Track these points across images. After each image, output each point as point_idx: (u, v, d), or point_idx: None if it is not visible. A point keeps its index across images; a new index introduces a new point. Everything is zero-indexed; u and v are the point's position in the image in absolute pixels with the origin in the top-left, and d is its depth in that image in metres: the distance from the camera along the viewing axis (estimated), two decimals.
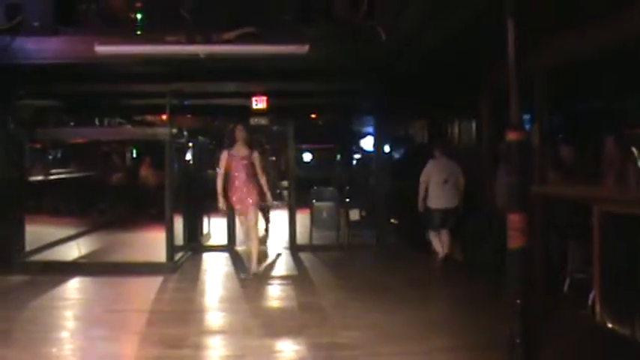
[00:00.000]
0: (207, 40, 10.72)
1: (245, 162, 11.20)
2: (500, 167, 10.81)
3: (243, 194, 11.15)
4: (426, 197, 12.00)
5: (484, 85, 11.98)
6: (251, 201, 11.19)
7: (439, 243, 12.11)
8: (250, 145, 11.44)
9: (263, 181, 11.30)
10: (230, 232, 14.22)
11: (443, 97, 13.14)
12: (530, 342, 5.86)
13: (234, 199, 11.21)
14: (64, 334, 8.23)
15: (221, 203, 11.18)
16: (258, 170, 11.28)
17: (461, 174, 12.00)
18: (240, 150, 11.27)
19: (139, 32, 10.91)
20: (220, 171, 11.22)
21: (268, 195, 11.48)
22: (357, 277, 11.72)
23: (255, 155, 11.35)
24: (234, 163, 11.18)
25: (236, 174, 11.17)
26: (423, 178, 11.98)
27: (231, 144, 11.30)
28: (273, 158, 27.03)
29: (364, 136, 21.78)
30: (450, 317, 8.60)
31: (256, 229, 11.64)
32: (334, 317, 8.67)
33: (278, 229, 16.59)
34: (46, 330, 8.21)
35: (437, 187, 11.92)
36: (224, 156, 11.24)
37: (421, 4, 8.68)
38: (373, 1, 10.52)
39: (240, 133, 11.31)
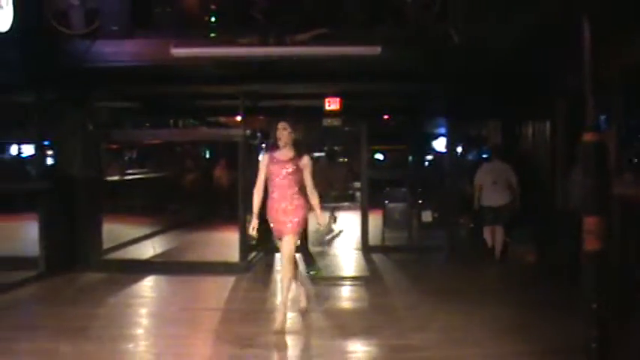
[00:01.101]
0: (280, 42, 10.79)
1: (289, 168, 8.36)
2: (576, 169, 10.67)
3: (281, 212, 8.33)
4: (480, 197, 12.89)
5: (559, 85, 11.79)
6: (290, 225, 8.28)
7: (491, 238, 12.93)
8: (299, 148, 8.53)
9: (314, 199, 8.48)
10: (303, 232, 14.24)
11: (516, 98, 12.98)
12: (605, 347, 5.76)
13: (270, 215, 8.47)
14: (140, 332, 8.37)
15: (252, 227, 8.41)
16: (308, 182, 8.43)
17: (513, 175, 12.70)
18: (285, 153, 8.45)
19: (212, 34, 11.04)
20: (258, 181, 8.52)
21: (320, 215, 8.67)
22: (429, 278, 11.67)
23: (305, 161, 8.43)
24: (275, 168, 8.38)
25: (276, 181, 8.38)
26: (476, 180, 12.99)
27: (276, 145, 8.52)
28: (345, 160, 27.08)
29: (436, 137, 21.62)
30: (524, 320, 8.47)
31: (290, 267, 8.29)
32: (406, 319, 8.64)
33: (350, 229, 16.58)
34: (122, 327, 8.37)
35: (488, 187, 12.80)
36: (264, 160, 8.56)
37: (494, 5, 8.60)
38: (445, 2, 10.47)
39: (283, 132, 8.43)
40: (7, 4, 10.01)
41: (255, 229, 8.41)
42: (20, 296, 10.16)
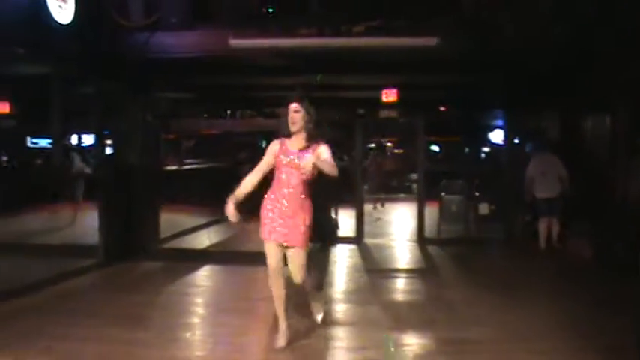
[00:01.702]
0: (337, 33, 10.80)
1: (297, 161, 6.73)
2: (637, 161, 10.54)
3: (289, 213, 6.77)
4: (533, 189, 12.98)
5: (620, 77, 11.60)
6: (303, 229, 6.81)
7: (545, 231, 12.97)
8: (315, 135, 6.80)
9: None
10: (359, 225, 14.26)
11: (576, 91, 12.81)
12: None
13: (268, 217, 6.87)
14: (197, 320, 8.46)
15: (230, 212, 6.87)
16: (329, 170, 6.49)
17: (562, 168, 12.78)
18: (297, 142, 6.80)
19: (270, 25, 11.08)
20: (259, 165, 6.95)
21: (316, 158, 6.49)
22: (486, 272, 11.58)
23: (323, 150, 6.75)
24: (284, 159, 6.78)
25: (283, 177, 6.79)
26: (528, 172, 13.11)
27: (287, 132, 6.82)
28: (400, 151, 27.02)
29: (493, 129, 21.45)
30: (582, 316, 8.36)
31: (307, 286, 7.43)
32: (463, 312, 8.59)
33: (405, 221, 16.54)
34: (179, 315, 8.46)
35: (539, 179, 12.96)
36: (274, 145, 6.92)
37: None
38: None
39: (295, 116, 6.74)
40: None
41: (234, 216, 6.81)
42: (80, 284, 10.34)
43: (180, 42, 11.19)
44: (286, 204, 6.77)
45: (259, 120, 18.21)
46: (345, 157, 16.80)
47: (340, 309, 8.94)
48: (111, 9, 11.24)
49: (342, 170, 12.25)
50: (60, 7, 9.95)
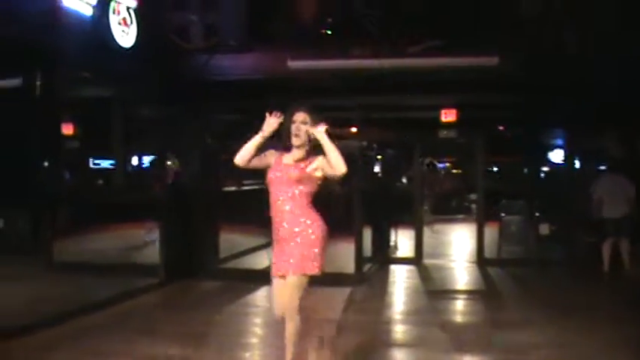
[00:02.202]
0: (395, 53, 10.81)
1: (295, 172, 5.70)
2: None
3: (285, 236, 5.79)
4: (600, 209, 12.73)
5: None
6: (292, 261, 5.76)
7: (608, 252, 12.79)
8: (312, 149, 5.71)
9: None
10: (418, 245, 14.20)
11: (636, 108, 12.63)
12: None
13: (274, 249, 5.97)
14: (255, 341, 8.49)
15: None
16: (335, 158, 5.51)
17: (630, 187, 12.57)
18: (295, 155, 5.78)
19: (328, 47, 11.15)
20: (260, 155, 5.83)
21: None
22: (546, 293, 11.42)
23: (319, 164, 5.67)
24: (278, 175, 5.74)
25: (278, 200, 5.76)
26: (595, 192, 12.82)
27: (288, 145, 5.79)
28: (458, 171, 26.85)
29: (553, 148, 21.21)
30: None
31: (294, 324, 5.98)
32: (523, 334, 8.47)
33: (464, 242, 16.43)
34: (239, 335, 8.51)
35: (607, 199, 12.66)
36: (270, 153, 5.87)
37: (615, 13, 8.41)
38: (563, 11, 10.30)
39: (300, 128, 5.71)
40: (132, 22, 10.37)
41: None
42: (142, 302, 10.46)
43: (238, 64, 11.32)
44: (285, 226, 5.75)
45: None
46: (404, 179, 16.78)
47: (399, 330, 8.92)
48: (171, 32, 11.43)
49: (401, 191, 12.29)
50: (123, 31, 10.15)
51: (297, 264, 5.72)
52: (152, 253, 11.85)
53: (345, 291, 11.12)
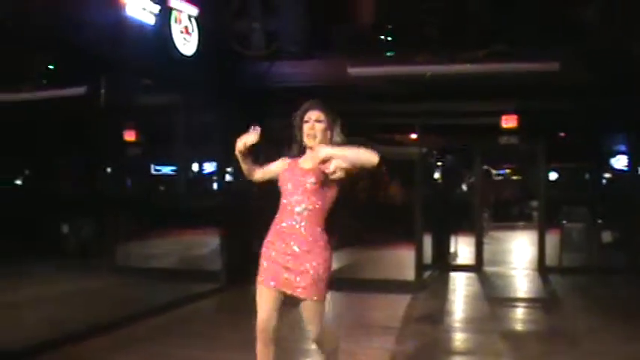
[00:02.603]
0: (456, 60, 10.76)
1: (311, 180, 4.93)
2: None
3: (297, 252, 4.97)
4: None
5: None
6: (312, 272, 4.94)
7: None
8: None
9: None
10: (478, 252, 14.10)
11: None
12: None
13: (268, 255, 5.18)
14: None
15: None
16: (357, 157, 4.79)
17: None
18: (310, 158, 5.05)
19: (388, 53, 11.15)
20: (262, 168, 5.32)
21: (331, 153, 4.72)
22: (609, 302, 11.24)
23: (333, 171, 4.71)
24: (289, 179, 5.04)
25: (288, 206, 4.99)
26: None
27: (300, 148, 5.16)
28: (519, 178, 26.58)
29: (615, 154, 20.91)
30: None
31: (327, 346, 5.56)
32: (585, 343, 8.35)
33: (525, 249, 16.26)
34: (299, 341, 8.50)
35: None
36: (281, 161, 5.27)
37: None
38: (628, 14, 10.15)
39: (315, 126, 5.09)
40: (193, 30, 10.49)
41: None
42: (202, 307, 10.57)
43: (299, 71, 11.38)
44: (293, 240, 4.94)
45: (379, 148, 18.25)
46: (464, 186, 16.68)
47: (459, 338, 8.86)
48: (232, 40, 11.54)
49: (461, 199, 12.21)
50: (185, 39, 10.28)
51: (315, 282, 5.01)
52: (213, 259, 11.96)
53: (405, 298, 11.09)
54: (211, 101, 11.36)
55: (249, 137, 4.99)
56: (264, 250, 5.18)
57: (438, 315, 10.13)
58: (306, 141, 5.02)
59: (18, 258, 13.03)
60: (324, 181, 4.87)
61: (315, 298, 5.02)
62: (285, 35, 11.33)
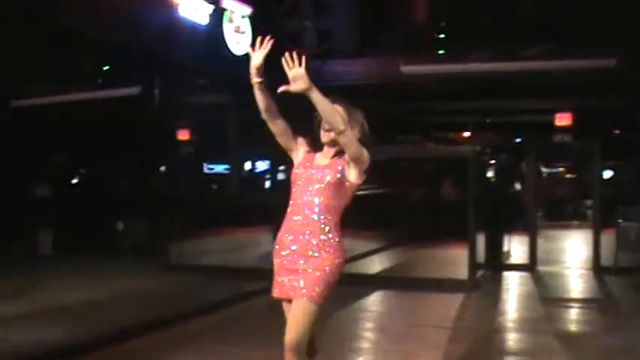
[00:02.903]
0: (510, 57, 10.68)
1: (328, 177, 4.51)
2: None
3: (295, 254, 4.54)
4: None
5: None
6: (318, 273, 4.49)
7: None
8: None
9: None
10: (532, 251, 13.95)
11: None
12: None
13: (276, 261, 4.66)
14: (367, 346, 8.51)
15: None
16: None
17: None
18: (326, 154, 4.63)
19: (441, 51, 11.10)
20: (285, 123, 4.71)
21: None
22: None
23: (352, 172, 4.51)
24: (302, 175, 4.61)
25: (299, 201, 4.59)
26: None
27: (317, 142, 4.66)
28: (571, 176, 26.24)
29: None
30: None
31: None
32: None
33: (579, 249, 16.06)
34: (350, 340, 8.53)
35: None
36: (299, 141, 4.75)
37: None
38: None
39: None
40: (245, 29, 10.56)
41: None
42: (254, 305, 10.60)
43: (351, 69, 11.40)
44: (302, 239, 4.50)
45: (432, 146, 18.20)
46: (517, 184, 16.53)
47: (513, 338, 8.80)
48: (285, 39, 11.59)
49: (515, 197, 12.06)
50: (237, 39, 10.35)
51: (312, 287, 4.51)
52: (266, 257, 11.99)
53: (458, 297, 11.02)
54: None
55: (258, 54, 4.46)
56: (274, 253, 4.66)
57: (491, 315, 10.04)
58: (323, 136, 4.56)
59: (76, 255, 13.32)
60: (340, 179, 4.48)
61: (306, 297, 4.46)
62: (337, 34, 11.38)
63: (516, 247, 15.07)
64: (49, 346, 7.40)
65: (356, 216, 15.75)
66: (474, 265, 11.94)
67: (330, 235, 4.50)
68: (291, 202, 4.59)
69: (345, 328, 9.17)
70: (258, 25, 10.87)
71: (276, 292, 4.67)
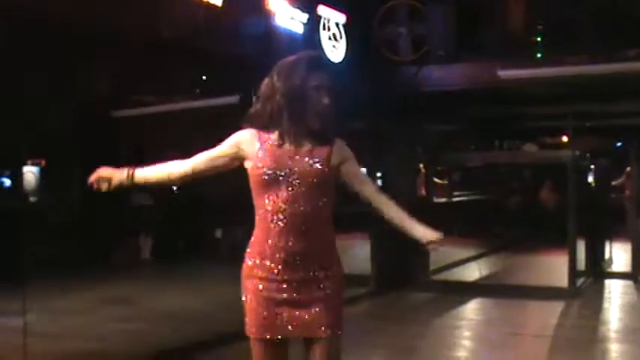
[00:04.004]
0: (610, 59, 10.44)
1: (315, 165, 3.38)
2: None
3: (299, 268, 3.39)
4: None
5: None
6: (329, 294, 3.59)
7: None
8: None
9: (396, 212, 3.67)
10: (635, 259, 13.56)
11: None
12: None
13: (256, 289, 3.43)
14: (465, 354, 8.43)
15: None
16: (367, 186, 3.69)
17: None
18: (302, 140, 3.41)
19: (539, 55, 10.93)
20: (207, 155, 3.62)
21: (426, 231, 3.68)
22: None
23: (345, 151, 3.60)
24: (274, 163, 3.35)
25: (282, 204, 3.32)
26: None
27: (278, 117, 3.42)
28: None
29: None
30: None
31: None
32: None
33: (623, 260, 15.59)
34: (449, 348, 8.48)
35: None
36: (245, 138, 3.48)
37: None
38: None
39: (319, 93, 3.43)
40: (341, 37, 10.61)
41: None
42: (353, 312, 10.60)
43: (447, 75, 11.32)
44: (291, 252, 3.38)
45: (530, 151, 17.96)
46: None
47: (615, 349, 8.57)
48: (380, 45, 11.60)
49: (615, 203, 11.69)
50: (333, 46, 10.41)
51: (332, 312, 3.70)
52: (363, 263, 12.01)
53: (559, 305, 10.81)
54: (360, 107, 11.44)
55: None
56: (247, 282, 3.55)
57: (592, 324, 9.82)
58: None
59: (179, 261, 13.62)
60: (328, 169, 3.48)
61: (333, 333, 3.75)
62: (432, 39, 11.29)
63: (618, 255, 14.69)
64: None
65: (454, 222, 15.72)
66: (574, 273, 11.68)
67: (328, 239, 3.68)
68: (265, 207, 3.46)
69: (443, 337, 9.12)
70: (354, 32, 10.91)
71: (261, 331, 3.52)
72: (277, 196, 3.35)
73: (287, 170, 3.35)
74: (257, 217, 3.44)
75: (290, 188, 3.34)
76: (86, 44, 8.63)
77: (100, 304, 10.19)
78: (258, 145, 3.44)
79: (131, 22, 7.40)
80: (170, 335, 8.38)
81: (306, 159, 3.40)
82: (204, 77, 11.76)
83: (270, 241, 3.38)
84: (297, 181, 3.35)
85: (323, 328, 3.54)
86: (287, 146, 3.41)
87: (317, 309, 3.51)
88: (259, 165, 3.38)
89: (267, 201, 3.37)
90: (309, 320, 3.49)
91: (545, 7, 11.38)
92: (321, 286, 3.54)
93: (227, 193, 14.69)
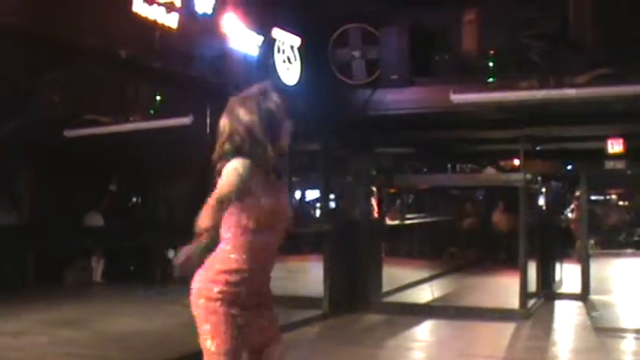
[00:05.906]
0: (561, 84, 10.59)
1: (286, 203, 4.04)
2: None
3: (266, 298, 4.22)
4: None
5: None
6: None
7: None
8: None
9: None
10: (585, 280, 13.76)
11: None
12: None
13: (234, 320, 3.86)
14: None
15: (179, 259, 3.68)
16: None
17: None
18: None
19: (491, 79, 11.06)
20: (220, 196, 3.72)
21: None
22: None
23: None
24: (268, 201, 3.78)
25: (261, 234, 3.87)
26: None
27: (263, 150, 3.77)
28: (624, 203, 25.90)
29: None
30: None
31: None
32: None
33: (635, 278, 15.83)
34: None
35: None
36: (246, 172, 3.70)
37: None
38: None
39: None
40: (295, 60, 10.66)
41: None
42: (305, 334, 10.60)
43: (401, 98, 11.39)
44: (265, 287, 4.14)
45: (481, 174, 18.16)
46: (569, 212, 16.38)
47: None
48: (334, 69, 11.67)
49: (566, 225, 11.93)
50: (287, 69, 10.45)
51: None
52: (316, 286, 12.00)
53: (510, 326, 10.91)
54: (314, 129, 11.48)
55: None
56: (222, 316, 3.88)
57: (543, 345, 9.93)
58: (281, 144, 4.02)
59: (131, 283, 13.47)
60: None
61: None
62: (386, 63, 11.37)
63: (568, 276, 14.88)
64: None
65: (406, 244, 15.83)
66: (525, 294, 11.81)
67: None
68: (252, 238, 3.90)
69: (395, 358, 9.14)
70: (307, 55, 10.96)
71: (236, 343, 3.88)
72: None
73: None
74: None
75: None
76: (41, 61, 8.58)
77: (48, 327, 10.06)
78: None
79: (87, 41, 7.36)
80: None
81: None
82: (158, 97, 11.72)
83: None
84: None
85: None
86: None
87: None
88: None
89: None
90: None
91: (497, 32, 11.51)
92: None
93: (179, 212, 14.66)
